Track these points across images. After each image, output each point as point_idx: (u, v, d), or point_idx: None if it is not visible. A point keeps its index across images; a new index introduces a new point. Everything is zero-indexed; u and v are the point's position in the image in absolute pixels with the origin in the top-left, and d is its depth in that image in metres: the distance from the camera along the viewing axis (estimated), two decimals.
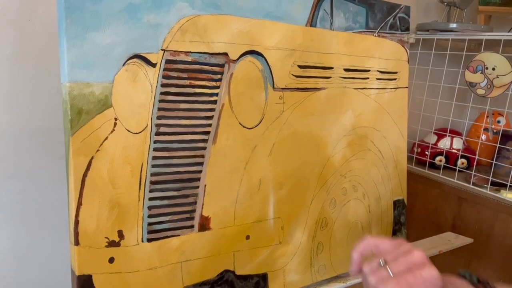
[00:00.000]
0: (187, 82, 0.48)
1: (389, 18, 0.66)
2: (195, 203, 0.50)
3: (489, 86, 0.90)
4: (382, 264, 0.42)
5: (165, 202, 0.48)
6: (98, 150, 0.44)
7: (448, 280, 0.44)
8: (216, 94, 0.50)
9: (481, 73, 0.90)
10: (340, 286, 0.63)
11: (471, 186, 0.92)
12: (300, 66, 0.57)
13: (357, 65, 0.63)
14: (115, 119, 0.44)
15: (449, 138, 1.03)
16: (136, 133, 0.46)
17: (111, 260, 0.45)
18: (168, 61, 0.46)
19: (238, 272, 0.55)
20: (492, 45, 0.97)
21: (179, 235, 0.50)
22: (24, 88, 0.61)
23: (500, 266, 0.91)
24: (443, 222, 0.98)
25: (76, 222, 0.43)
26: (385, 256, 0.43)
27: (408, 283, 0.40)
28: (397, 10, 0.67)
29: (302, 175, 0.59)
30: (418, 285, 0.40)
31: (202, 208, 0.51)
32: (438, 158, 1.02)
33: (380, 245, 0.45)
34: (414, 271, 0.40)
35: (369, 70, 0.64)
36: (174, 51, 0.47)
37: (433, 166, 1.03)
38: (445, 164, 1.01)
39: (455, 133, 1.04)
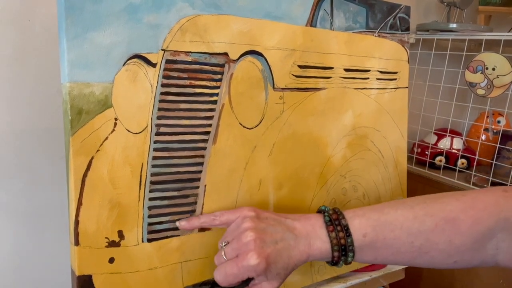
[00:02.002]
0: (187, 82, 0.48)
1: (389, 18, 0.66)
2: (195, 203, 0.50)
3: (489, 86, 0.90)
4: (222, 246, 0.46)
5: (165, 202, 0.48)
6: (98, 150, 0.44)
7: (305, 222, 0.47)
8: (216, 94, 0.50)
9: (481, 73, 0.90)
10: (340, 286, 0.63)
11: (471, 186, 0.92)
12: (300, 66, 0.57)
13: (357, 65, 0.63)
14: (115, 119, 0.44)
15: (449, 138, 1.03)
16: (136, 133, 0.46)
17: (111, 260, 0.45)
18: (168, 61, 0.46)
19: None
20: (492, 45, 0.97)
21: (179, 235, 0.50)
22: (24, 88, 0.61)
23: (500, 267, 0.91)
24: None
25: (76, 222, 0.43)
26: (228, 235, 0.47)
27: (232, 272, 0.43)
28: (397, 10, 0.67)
29: (302, 175, 0.59)
30: (241, 274, 0.43)
31: (202, 208, 0.51)
32: (438, 158, 1.03)
33: (223, 219, 0.48)
34: (239, 259, 0.43)
35: (369, 70, 0.64)
36: (174, 51, 0.47)
37: (433, 166, 1.03)
38: (445, 164, 1.01)
39: (455, 133, 1.04)
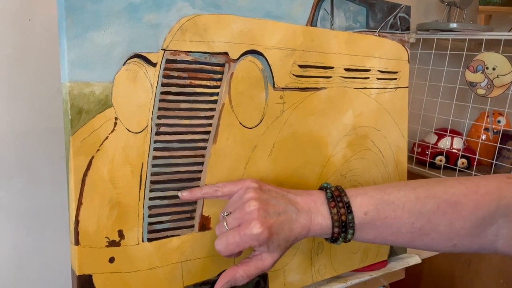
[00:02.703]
0: (187, 81, 0.48)
1: (389, 17, 0.66)
2: (196, 203, 0.50)
3: (489, 86, 0.90)
4: (224, 216, 0.45)
5: (166, 202, 0.48)
6: (98, 150, 0.44)
7: (307, 197, 0.48)
8: (217, 94, 0.50)
9: (481, 73, 0.90)
10: (340, 286, 0.63)
11: None
12: (300, 66, 0.57)
13: (358, 65, 0.63)
14: (116, 118, 0.44)
15: (449, 138, 1.03)
16: (137, 133, 0.46)
17: (112, 260, 0.45)
18: (168, 61, 0.46)
19: None
20: (492, 45, 0.97)
21: (179, 235, 0.50)
22: (24, 88, 0.61)
23: (500, 266, 0.91)
24: None
25: (77, 222, 0.43)
26: (230, 205, 0.47)
27: (234, 241, 0.43)
28: (398, 10, 0.67)
29: (302, 175, 0.59)
30: (243, 242, 0.43)
31: (203, 208, 0.51)
32: (438, 158, 1.03)
33: (225, 190, 0.48)
34: (242, 228, 0.43)
35: (369, 70, 0.64)
36: (175, 50, 0.47)
37: (433, 166, 1.03)
38: (446, 164, 1.01)
39: (455, 133, 1.04)
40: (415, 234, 0.46)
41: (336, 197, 0.47)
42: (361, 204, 0.47)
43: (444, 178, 0.49)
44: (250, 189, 0.46)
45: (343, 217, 0.46)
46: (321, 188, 0.51)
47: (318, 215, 0.46)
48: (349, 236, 0.47)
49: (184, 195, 0.48)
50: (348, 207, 0.46)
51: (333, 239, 0.48)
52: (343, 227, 0.46)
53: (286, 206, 0.46)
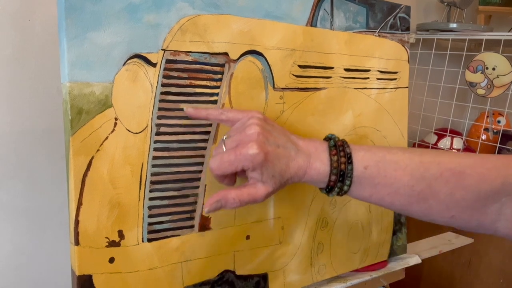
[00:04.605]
0: (187, 82, 0.48)
1: (389, 18, 0.66)
2: (196, 203, 0.50)
3: (489, 86, 0.90)
4: (223, 139, 0.45)
5: (165, 202, 0.48)
6: (98, 150, 0.44)
7: (310, 143, 0.46)
8: (217, 94, 0.50)
9: (481, 73, 0.90)
10: (340, 286, 0.63)
11: None
12: (300, 66, 0.57)
13: (358, 65, 0.63)
14: (115, 119, 0.44)
15: (449, 138, 1.03)
16: (137, 133, 0.46)
17: (111, 260, 0.45)
18: (168, 61, 0.46)
19: (238, 272, 0.55)
20: (492, 45, 0.98)
21: (179, 235, 0.50)
22: (24, 88, 0.61)
23: (500, 266, 0.91)
24: None
25: (76, 222, 0.43)
26: (232, 131, 0.46)
27: (229, 159, 0.42)
28: (398, 10, 0.67)
29: None
30: (237, 162, 0.42)
31: (203, 208, 0.51)
32: None
33: (229, 115, 0.47)
34: (239, 148, 0.42)
35: (369, 70, 0.64)
36: (175, 51, 0.47)
37: None
38: None
39: (455, 133, 1.04)
40: (413, 198, 0.45)
41: (339, 147, 0.46)
42: (363, 158, 0.46)
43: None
44: (255, 118, 0.45)
45: (342, 166, 0.45)
46: (325, 139, 0.49)
47: (317, 160, 0.45)
48: (345, 187, 0.46)
49: (189, 110, 0.47)
50: (349, 157, 0.45)
51: (328, 189, 0.46)
52: (340, 175, 0.45)
53: (286, 143, 0.45)
